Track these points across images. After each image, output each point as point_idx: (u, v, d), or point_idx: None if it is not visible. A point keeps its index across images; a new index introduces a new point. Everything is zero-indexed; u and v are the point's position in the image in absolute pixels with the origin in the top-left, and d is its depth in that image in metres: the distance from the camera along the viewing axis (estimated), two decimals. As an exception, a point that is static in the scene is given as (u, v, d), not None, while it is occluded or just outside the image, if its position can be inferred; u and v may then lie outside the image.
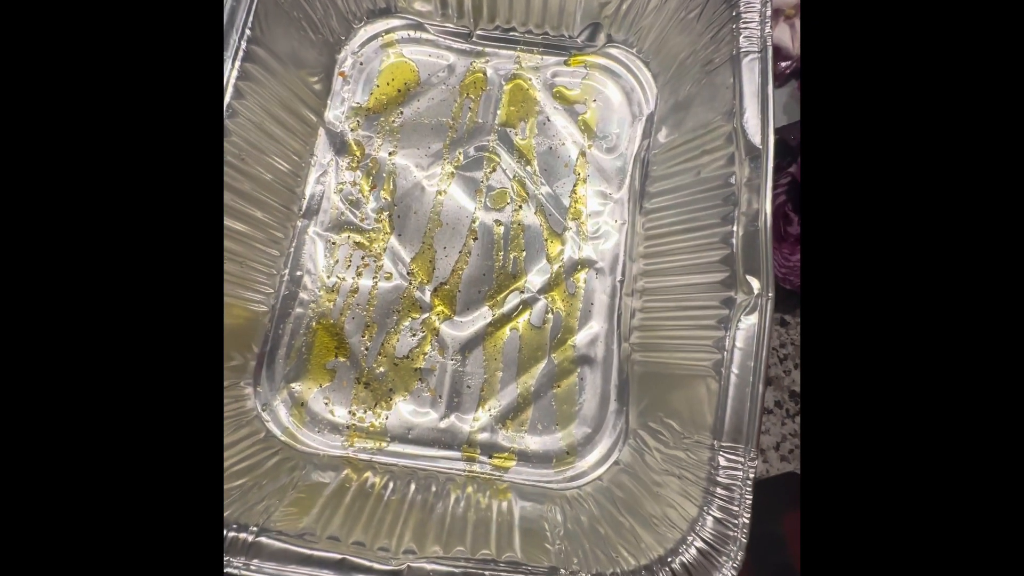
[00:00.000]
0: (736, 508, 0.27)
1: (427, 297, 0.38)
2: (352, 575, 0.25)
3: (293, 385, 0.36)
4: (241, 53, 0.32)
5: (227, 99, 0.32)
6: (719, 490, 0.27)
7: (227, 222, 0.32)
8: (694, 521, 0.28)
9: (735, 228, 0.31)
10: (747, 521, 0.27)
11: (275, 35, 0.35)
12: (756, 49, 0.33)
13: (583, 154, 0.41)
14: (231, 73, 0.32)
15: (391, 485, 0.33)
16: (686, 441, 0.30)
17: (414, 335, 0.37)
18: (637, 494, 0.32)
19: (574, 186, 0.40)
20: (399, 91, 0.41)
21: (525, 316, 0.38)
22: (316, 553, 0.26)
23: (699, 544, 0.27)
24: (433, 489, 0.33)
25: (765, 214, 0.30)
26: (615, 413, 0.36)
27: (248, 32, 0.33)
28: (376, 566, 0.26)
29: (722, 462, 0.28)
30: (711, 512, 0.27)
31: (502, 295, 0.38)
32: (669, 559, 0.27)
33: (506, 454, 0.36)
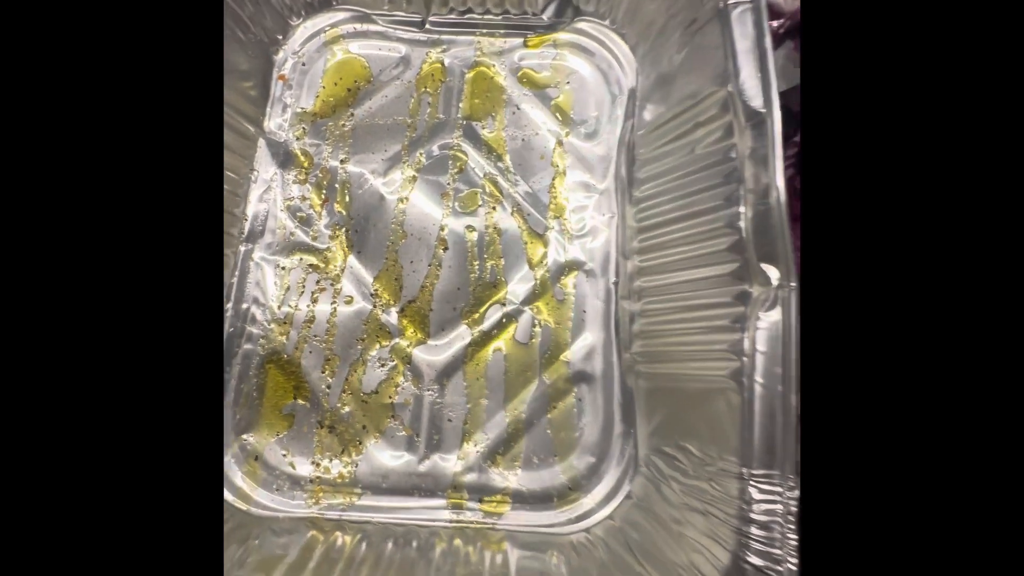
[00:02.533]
0: (778, 552, 0.22)
1: (394, 319, 0.33)
2: None
3: (245, 436, 0.31)
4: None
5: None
6: (755, 530, 0.22)
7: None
8: (727, 571, 0.22)
9: (742, 209, 0.26)
10: (794, 568, 0.21)
11: (193, 36, 0.30)
12: (747, -1, 0.28)
13: (560, 143, 0.36)
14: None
15: (364, 545, 0.28)
16: (709, 469, 0.25)
17: (383, 365, 0.32)
18: (655, 536, 0.27)
19: (553, 180, 0.36)
20: (348, 91, 0.37)
21: (509, 332, 0.33)
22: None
23: (738, 600, 0.22)
24: (415, 545, 0.28)
25: (777, 188, 0.25)
26: (621, 437, 0.31)
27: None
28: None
29: (755, 494, 0.23)
30: (748, 559, 0.22)
31: (481, 310, 0.33)
32: (701, 623, 0.22)
33: (498, 496, 0.31)
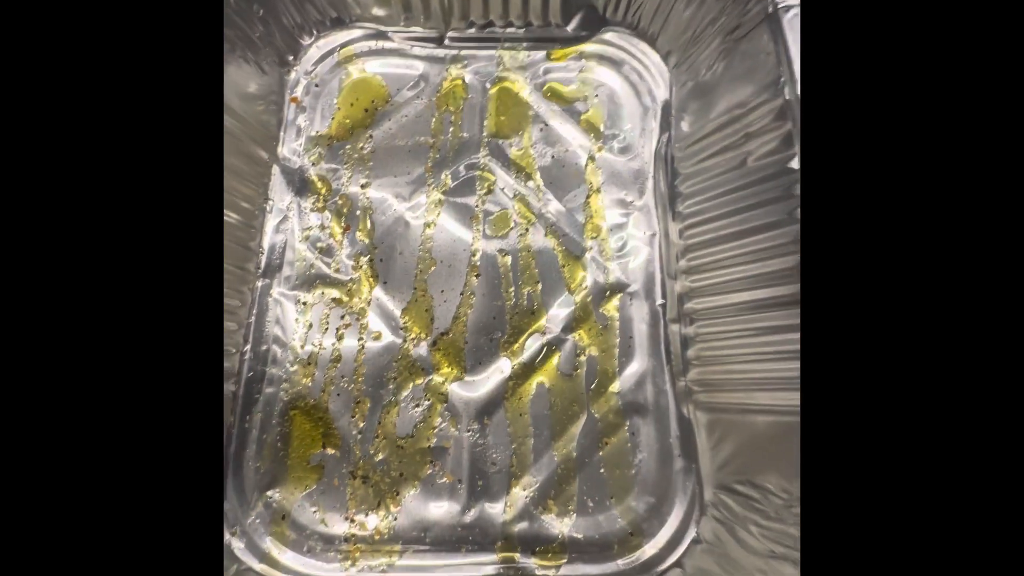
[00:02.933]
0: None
1: (427, 354, 0.30)
2: None
3: (270, 493, 0.28)
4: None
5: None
6: (863, 583, 0.20)
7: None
8: (836, 632, 0.20)
9: (811, 224, 0.24)
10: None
11: (203, 59, 0.28)
12: (797, 1, 0.26)
13: (592, 159, 0.34)
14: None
15: (411, 615, 0.25)
16: (794, 511, 0.23)
17: (417, 406, 0.30)
18: (737, 587, 0.24)
19: (587, 197, 0.34)
20: (366, 111, 0.35)
21: (552, 363, 0.31)
22: None
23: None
24: (466, 610, 0.25)
25: (853, 201, 0.23)
26: (683, 473, 0.29)
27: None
28: None
29: (859, 542, 0.20)
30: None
31: (520, 340, 0.31)
32: None
33: (554, 547, 0.28)
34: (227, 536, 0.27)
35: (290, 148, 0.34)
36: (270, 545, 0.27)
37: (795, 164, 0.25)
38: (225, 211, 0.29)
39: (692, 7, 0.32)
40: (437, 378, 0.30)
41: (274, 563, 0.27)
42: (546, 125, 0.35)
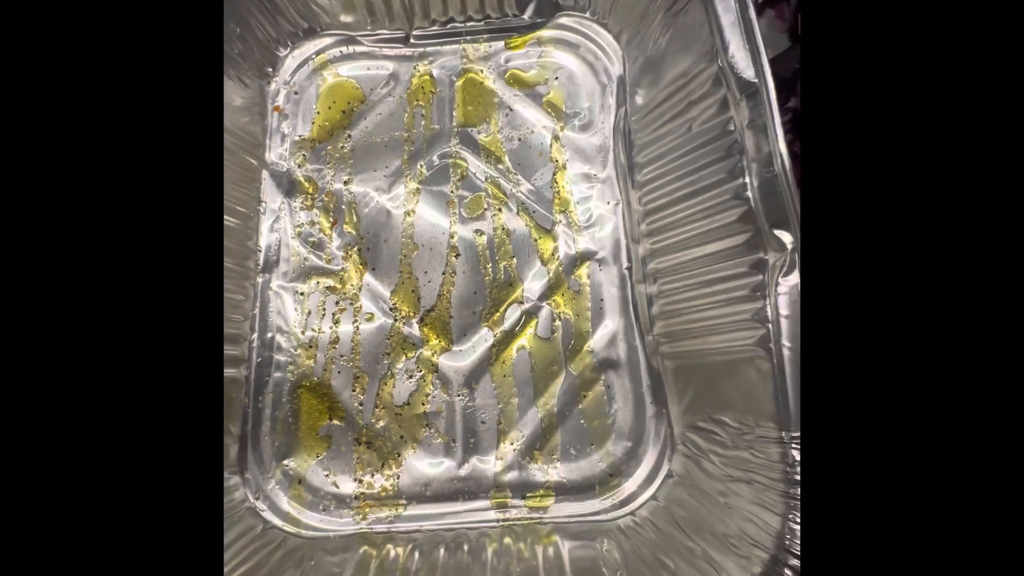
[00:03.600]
0: (828, 509, 0.22)
1: (416, 331, 0.33)
2: None
3: (286, 462, 0.32)
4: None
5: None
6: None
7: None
8: (780, 535, 0.23)
9: (748, 179, 0.26)
10: (846, 523, 0.22)
11: (189, 79, 0.31)
12: (725, -26, 0.28)
13: (556, 138, 0.37)
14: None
15: (416, 555, 0.28)
16: (747, 437, 0.26)
17: (411, 377, 0.33)
18: (702, 511, 0.27)
19: (554, 175, 0.36)
20: (343, 113, 0.37)
21: (530, 329, 0.34)
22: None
23: (794, 562, 0.22)
24: (466, 548, 0.29)
25: (780, 155, 0.25)
26: (655, 418, 0.31)
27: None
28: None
29: (797, 456, 0.23)
30: (799, 520, 0.22)
31: (500, 311, 0.34)
32: (761, 588, 0.22)
33: (541, 491, 0.31)
34: (252, 500, 0.31)
35: (276, 153, 0.37)
36: (289, 506, 0.31)
37: (731, 127, 0.27)
38: (225, 216, 0.32)
39: (636, -14, 0.34)
40: (427, 351, 0.33)
41: (295, 521, 0.30)
42: (511, 110, 0.37)
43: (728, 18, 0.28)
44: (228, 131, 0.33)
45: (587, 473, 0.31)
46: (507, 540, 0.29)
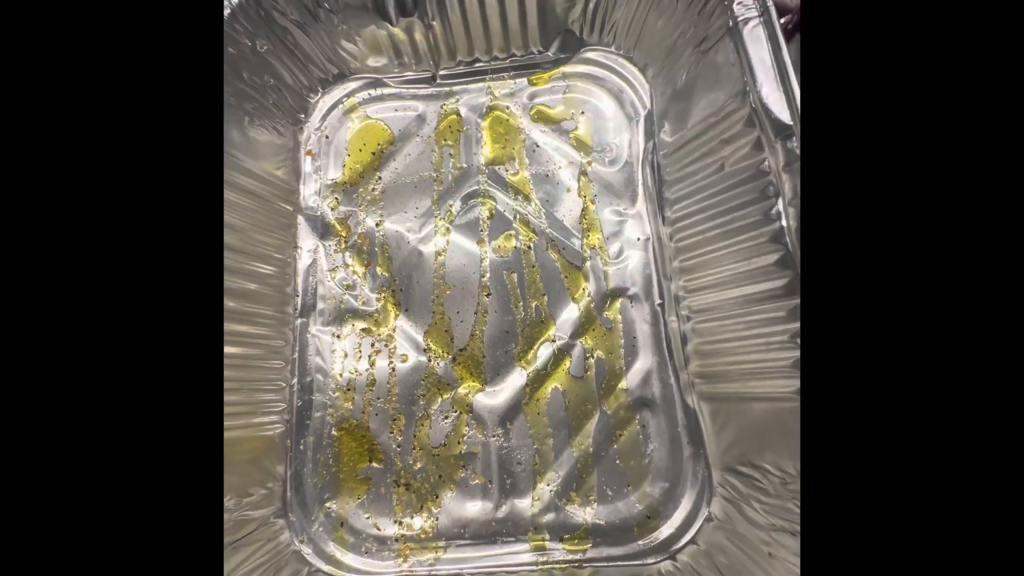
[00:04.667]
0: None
1: (450, 371, 0.34)
2: None
3: (328, 504, 0.32)
4: (193, 164, 0.29)
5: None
6: (851, 548, 0.22)
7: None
8: (829, 592, 0.22)
9: (784, 223, 0.26)
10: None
11: (231, 135, 0.32)
12: (756, 13, 0.28)
13: (584, 173, 0.37)
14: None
15: (459, 601, 0.29)
16: (791, 488, 0.25)
17: (446, 417, 0.33)
18: (745, 559, 0.27)
19: (583, 210, 0.36)
20: (373, 155, 0.38)
21: (564, 368, 0.34)
22: None
23: (844, 622, 0.22)
24: (506, 593, 0.29)
25: (819, 201, 0.25)
26: (692, 459, 0.31)
27: (196, 140, 0.30)
28: None
29: (845, 512, 0.22)
30: (849, 578, 0.22)
31: (532, 350, 0.34)
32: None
33: (579, 533, 0.31)
34: (296, 544, 0.31)
35: (310, 197, 0.38)
36: (333, 549, 0.32)
37: (766, 168, 0.27)
38: (260, 264, 0.33)
39: (662, 21, 0.34)
40: (461, 391, 0.34)
41: (338, 564, 0.31)
42: (538, 147, 0.37)
43: (759, 57, 0.27)
44: (264, 180, 0.34)
45: (624, 515, 0.31)
46: (547, 584, 0.29)
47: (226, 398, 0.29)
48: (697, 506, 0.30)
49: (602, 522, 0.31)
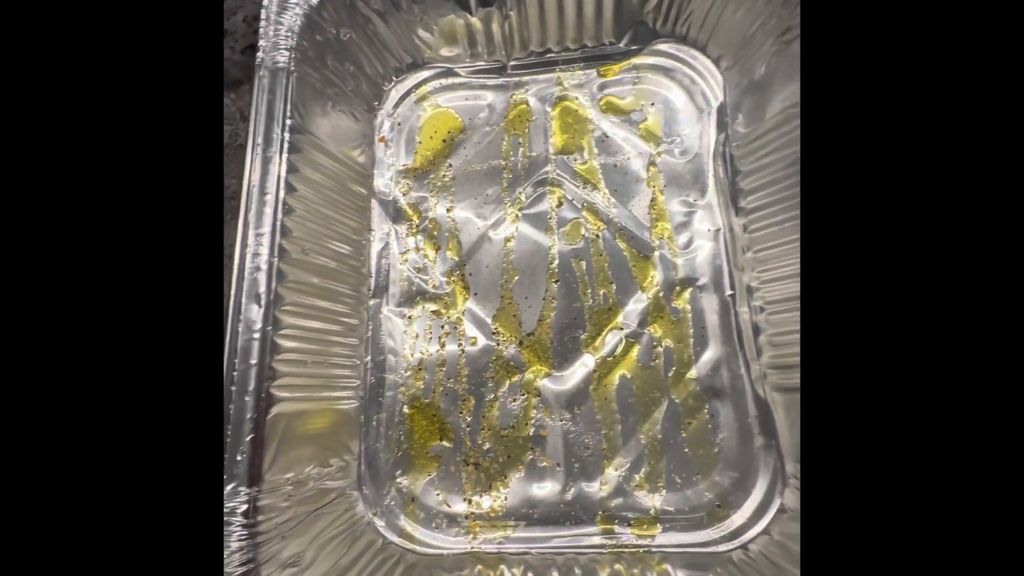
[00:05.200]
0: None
1: (518, 355, 0.34)
2: None
3: (399, 480, 0.33)
4: (286, 146, 0.31)
5: (281, 195, 0.30)
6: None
7: (303, 323, 0.30)
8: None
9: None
10: None
11: (313, 118, 0.33)
12: (847, 3, 0.28)
13: (653, 164, 0.37)
14: (280, 169, 0.30)
15: (530, 577, 0.29)
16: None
17: (514, 400, 0.34)
18: (825, 549, 0.26)
19: (651, 200, 0.36)
20: (444, 142, 0.39)
21: (631, 356, 0.34)
22: None
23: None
24: (578, 572, 0.29)
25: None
26: (763, 449, 0.31)
27: (289, 122, 0.31)
28: None
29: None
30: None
31: (600, 337, 0.34)
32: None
33: (648, 519, 0.31)
34: (368, 515, 0.32)
35: (383, 182, 0.39)
36: (404, 522, 0.32)
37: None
38: (338, 244, 0.34)
39: (740, 12, 0.34)
40: (529, 375, 0.34)
41: (410, 537, 0.32)
42: (607, 137, 0.38)
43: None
44: (342, 163, 0.35)
45: (694, 503, 0.31)
46: (618, 566, 0.29)
47: (306, 370, 0.30)
48: (769, 496, 0.30)
49: (671, 509, 0.31)
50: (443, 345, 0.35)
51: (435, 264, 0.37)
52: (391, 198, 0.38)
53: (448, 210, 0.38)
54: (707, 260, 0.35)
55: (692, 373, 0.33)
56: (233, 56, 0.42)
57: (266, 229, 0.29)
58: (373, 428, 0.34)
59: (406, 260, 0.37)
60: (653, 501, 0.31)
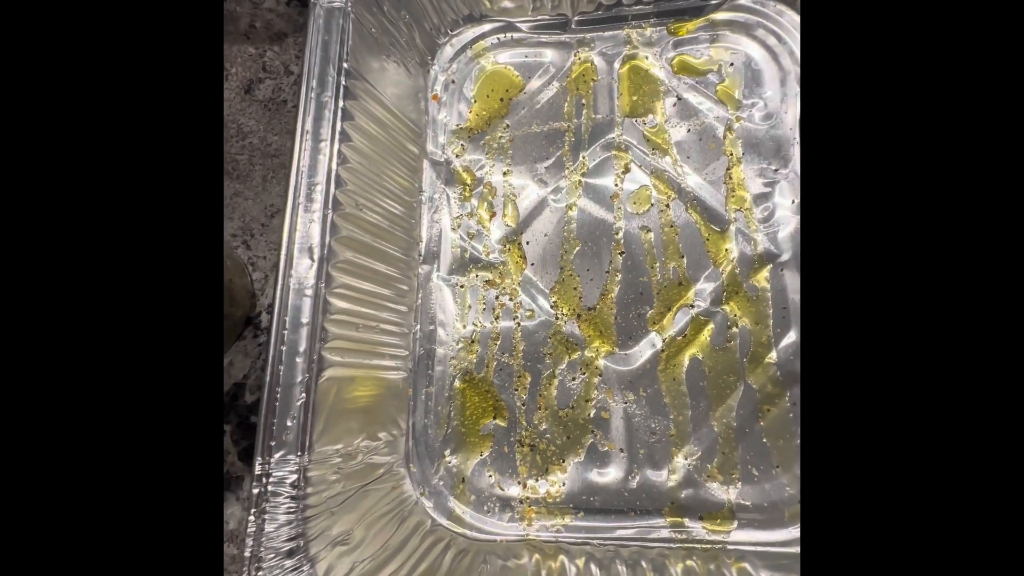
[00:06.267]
0: None
1: (579, 331, 0.32)
2: None
3: (449, 459, 0.31)
4: (342, 90, 0.28)
5: (336, 146, 0.27)
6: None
7: (354, 282, 0.28)
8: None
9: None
10: None
11: (369, 66, 0.31)
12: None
13: (730, 129, 0.34)
14: (336, 115, 0.28)
15: (596, 569, 0.27)
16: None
17: (574, 379, 0.31)
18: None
19: (728, 169, 0.33)
20: (501, 101, 0.36)
21: (704, 336, 0.31)
22: None
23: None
24: (646, 567, 0.27)
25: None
26: (854, 443, 0.28)
27: (345, 66, 0.29)
28: None
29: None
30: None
31: (669, 314, 0.32)
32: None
33: (721, 513, 0.28)
34: (416, 495, 0.30)
35: (435, 142, 0.36)
36: (454, 505, 0.30)
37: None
38: (390, 203, 0.32)
39: (842, -40, 0.30)
40: (590, 352, 0.32)
41: (459, 520, 0.30)
42: (679, 99, 0.35)
43: None
44: (396, 116, 0.33)
45: (773, 498, 0.28)
46: (691, 562, 0.27)
47: (356, 335, 0.28)
48: (860, 495, 0.27)
49: (747, 503, 0.28)
50: (497, 317, 0.33)
51: (489, 231, 0.34)
52: (443, 159, 0.36)
53: (505, 174, 0.35)
54: (789, 235, 0.32)
55: (772, 357, 0.30)
56: (279, 7, 0.40)
57: (320, 179, 0.27)
58: (422, 402, 0.32)
59: (459, 226, 0.34)
60: (727, 494, 0.29)
